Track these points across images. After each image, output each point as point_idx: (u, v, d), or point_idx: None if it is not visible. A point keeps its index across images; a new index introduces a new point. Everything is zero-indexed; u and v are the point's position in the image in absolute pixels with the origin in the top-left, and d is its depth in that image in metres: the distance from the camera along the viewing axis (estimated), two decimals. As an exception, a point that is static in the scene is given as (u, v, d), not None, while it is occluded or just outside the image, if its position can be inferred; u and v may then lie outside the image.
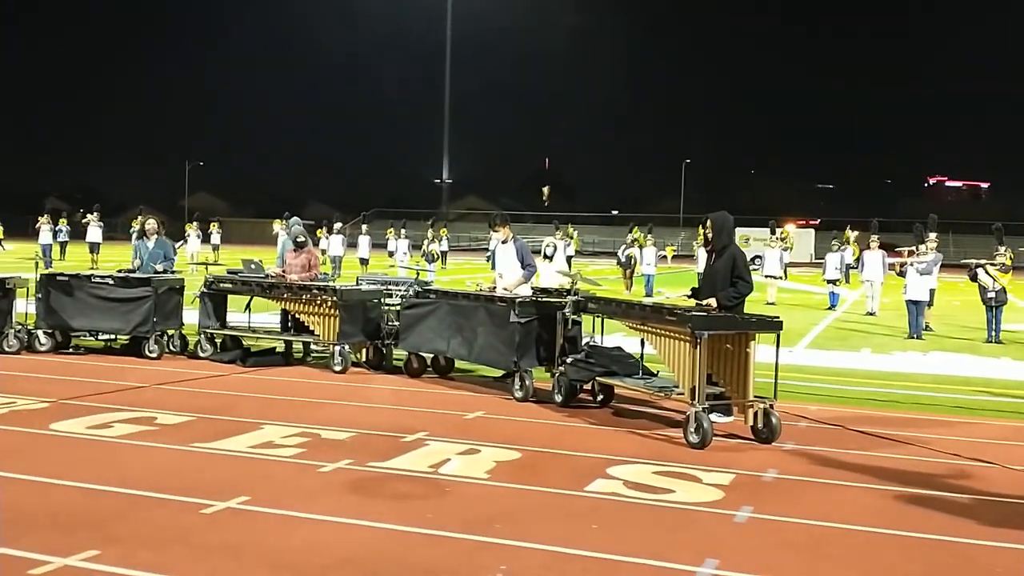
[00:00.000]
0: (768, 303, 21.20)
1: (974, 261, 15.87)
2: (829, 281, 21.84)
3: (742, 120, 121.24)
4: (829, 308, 20.90)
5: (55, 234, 32.37)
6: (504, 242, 10.14)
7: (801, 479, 6.45)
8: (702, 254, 20.28)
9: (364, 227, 34.17)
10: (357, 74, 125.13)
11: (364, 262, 31.58)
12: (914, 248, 16.34)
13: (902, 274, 16.15)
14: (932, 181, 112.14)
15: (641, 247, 24.74)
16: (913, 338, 15.37)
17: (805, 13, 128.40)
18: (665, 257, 30.12)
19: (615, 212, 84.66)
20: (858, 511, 5.71)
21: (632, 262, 24.67)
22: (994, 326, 15.34)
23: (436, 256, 29.64)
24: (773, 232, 24.71)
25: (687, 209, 77.40)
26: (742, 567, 4.68)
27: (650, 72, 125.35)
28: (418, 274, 11.43)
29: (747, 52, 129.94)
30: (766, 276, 22.38)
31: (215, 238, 38.03)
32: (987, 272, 15.29)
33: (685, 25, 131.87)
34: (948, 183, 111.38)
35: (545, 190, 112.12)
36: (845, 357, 13.02)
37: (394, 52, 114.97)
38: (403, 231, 32.04)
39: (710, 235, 8.33)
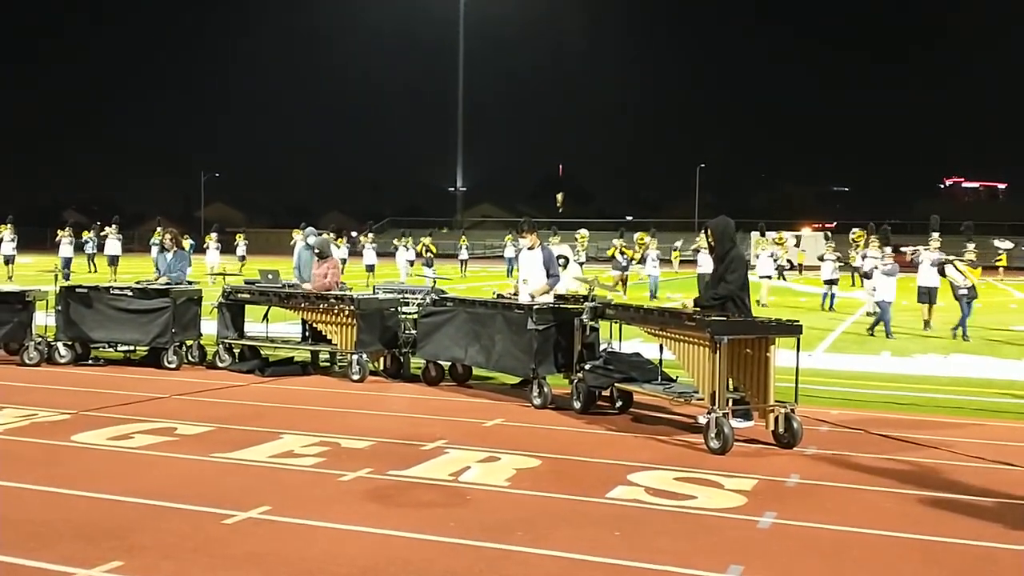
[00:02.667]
0: (760, 304, 21.21)
1: (943, 257, 16.47)
2: (827, 282, 21.96)
3: (757, 124, 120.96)
4: (826, 309, 21.10)
5: (83, 246, 32.43)
6: (531, 248, 10.11)
7: (824, 484, 6.40)
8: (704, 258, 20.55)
9: (371, 235, 34.28)
10: (371, 83, 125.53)
11: (370, 268, 31.75)
12: (918, 248, 16.87)
13: (914, 265, 16.66)
14: (949, 182, 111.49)
15: (621, 253, 24.93)
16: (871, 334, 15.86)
17: (818, 17, 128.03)
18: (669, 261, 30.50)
19: (629, 217, 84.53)
20: (882, 515, 5.66)
21: (626, 265, 24.97)
22: (962, 321, 15.71)
23: (432, 262, 29.87)
24: (763, 234, 24.82)
25: (702, 214, 77.21)
26: (767, 573, 4.64)
27: (664, 77, 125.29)
28: (435, 282, 11.41)
29: (760, 56, 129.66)
30: (760, 277, 22.44)
31: (240, 249, 37.86)
32: (956, 268, 15.86)
33: (698, 30, 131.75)
34: (965, 184, 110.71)
35: (559, 196, 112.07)
36: (865, 360, 12.94)
37: (407, 61, 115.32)
38: (408, 239, 32.25)
39: (712, 242, 8.37)
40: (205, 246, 32.66)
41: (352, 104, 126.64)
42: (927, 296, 16.86)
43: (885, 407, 9.36)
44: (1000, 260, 37.96)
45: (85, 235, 33.50)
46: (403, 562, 4.74)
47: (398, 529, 5.21)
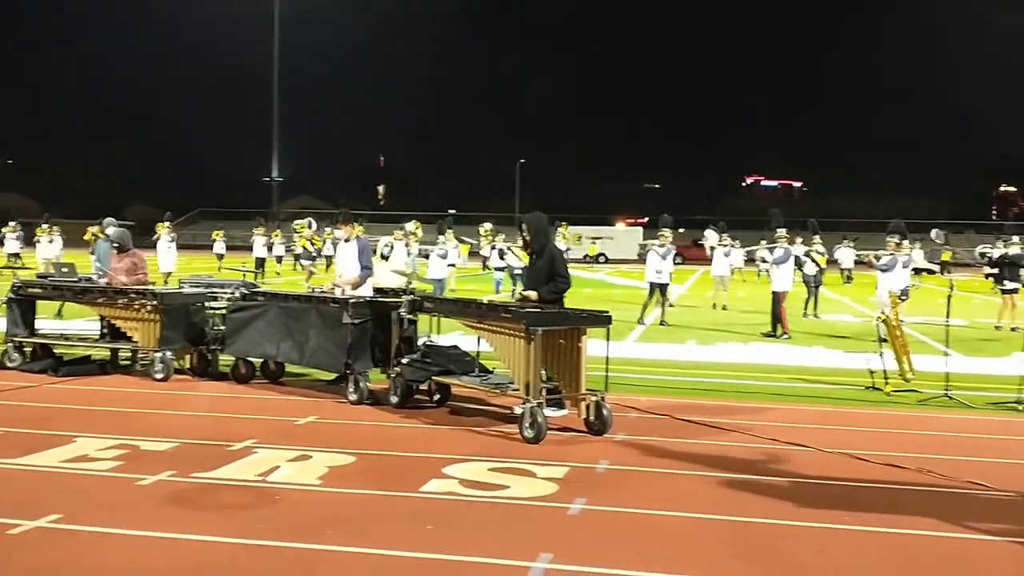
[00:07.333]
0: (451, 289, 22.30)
1: (508, 244, 20.76)
2: (498, 269, 23.18)
3: (576, 121, 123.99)
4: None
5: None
6: (347, 240, 9.91)
7: (632, 469, 6.60)
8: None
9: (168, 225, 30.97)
10: (178, 67, 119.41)
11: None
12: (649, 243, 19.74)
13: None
14: (749, 180, 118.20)
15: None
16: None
17: (632, 18, 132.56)
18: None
19: (452, 211, 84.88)
20: (686, 498, 5.89)
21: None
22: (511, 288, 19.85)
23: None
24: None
25: (522, 208, 78.53)
26: (576, 560, 4.73)
27: (485, 70, 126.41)
28: (244, 276, 11.01)
29: (574, 54, 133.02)
30: (448, 265, 23.27)
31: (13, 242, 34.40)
32: (513, 252, 19.73)
33: (515, 26, 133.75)
34: (764, 182, 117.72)
35: (380, 188, 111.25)
36: (672, 349, 13.50)
37: (220, 44, 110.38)
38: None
39: (528, 236, 8.50)
40: (36, 240, 30.00)
41: (159, 88, 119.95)
42: (721, 283, 21.46)
43: (690, 393, 9.79)
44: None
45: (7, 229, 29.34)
46: (208, 568, 4.54)
47: (202, 533, 4.97)
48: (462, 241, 26.03)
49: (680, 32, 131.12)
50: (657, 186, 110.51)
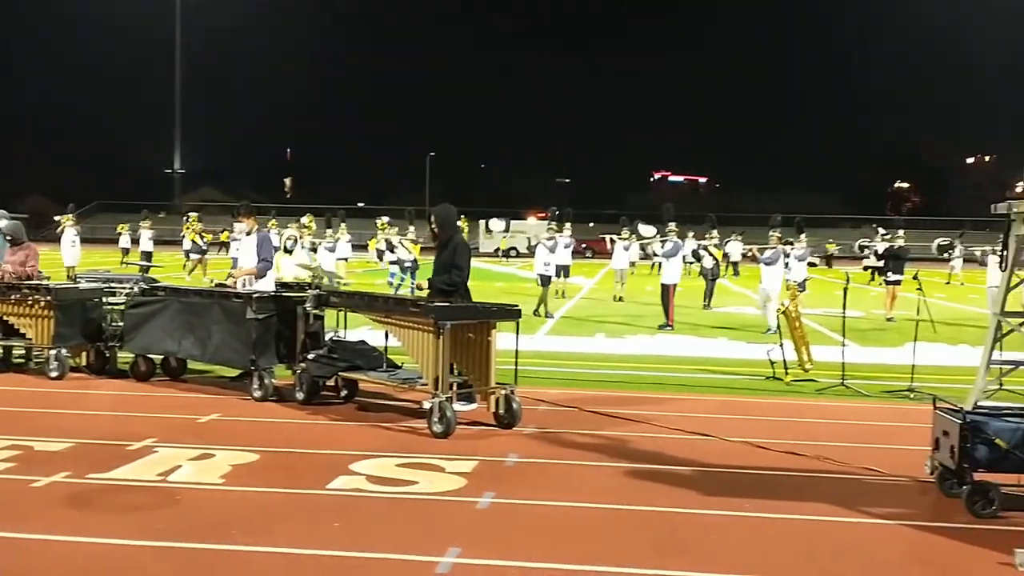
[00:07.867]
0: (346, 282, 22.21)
1: (398, 237, 21.23)
2: (391, 263, 23.11)
3: (487, 115, 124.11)
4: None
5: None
6: (248, 233, 9.72)
7: (541, 461, 6.64)
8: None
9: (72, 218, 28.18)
10: (76, 52, 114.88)
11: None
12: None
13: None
14: (657, 176, 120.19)
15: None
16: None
17: (545, 17, 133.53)
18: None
19: (360, 204, 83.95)
20: (593, 489, 5.96)
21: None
22: (401, 283, 20.33)
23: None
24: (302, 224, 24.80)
25: (432, 202, 78.16)
26: (484, 553, 4.74)
27: (396, 64, 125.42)
28: (145, 271, 10.69)
29: (485, 47, 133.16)
30: (337, 259, 23.23)
31: None
32: (403, 245, 20.75)
33: (424, 18, 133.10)
34: (671, 178, 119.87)
35: (287, 181, 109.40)
36: (581, 342, 13.63)
37: (119, 26, 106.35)
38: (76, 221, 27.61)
39: (436, 229, 8.47)
40: None
41: (56, 74, 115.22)
42: (619, 275, 22.12)
43: (598, 385, 9.90)
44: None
45: None
46: (108, 571, 4.40)
47: (100, 536, 4.82)
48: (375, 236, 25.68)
49: (591, 29, 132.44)
50: (568, 180, 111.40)
